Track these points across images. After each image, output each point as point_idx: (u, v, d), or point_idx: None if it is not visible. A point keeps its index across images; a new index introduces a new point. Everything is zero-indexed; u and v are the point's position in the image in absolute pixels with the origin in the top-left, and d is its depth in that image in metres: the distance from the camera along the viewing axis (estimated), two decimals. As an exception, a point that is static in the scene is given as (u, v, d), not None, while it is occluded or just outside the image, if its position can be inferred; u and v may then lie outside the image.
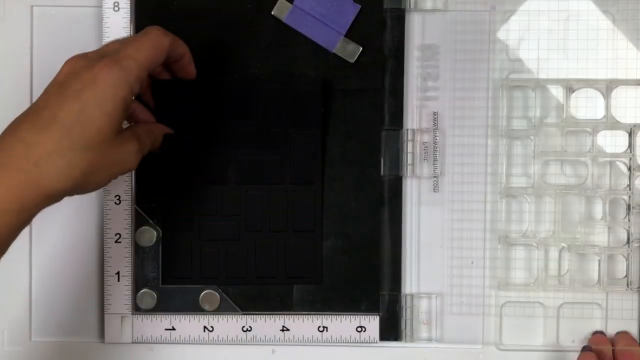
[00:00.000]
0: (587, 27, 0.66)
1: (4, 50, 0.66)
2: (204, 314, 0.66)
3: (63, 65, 0.54)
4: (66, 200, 0.66)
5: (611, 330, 0.66)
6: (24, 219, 0.51)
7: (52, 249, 0.67)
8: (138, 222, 0.66)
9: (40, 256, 0.67)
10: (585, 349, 0.65)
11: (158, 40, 0.57)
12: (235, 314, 0.66)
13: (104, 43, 0.64)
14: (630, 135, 0.66)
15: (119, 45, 0.56)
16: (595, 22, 0.66)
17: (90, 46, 0.65)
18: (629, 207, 0.66)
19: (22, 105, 0.66)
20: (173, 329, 0.66)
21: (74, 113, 0.51)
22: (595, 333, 0.66)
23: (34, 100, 0.65)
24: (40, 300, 0.67)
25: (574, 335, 0.67)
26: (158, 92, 0.63)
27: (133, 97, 0.56)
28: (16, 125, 0.53)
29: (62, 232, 0.67)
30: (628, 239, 0.66)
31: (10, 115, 0.66)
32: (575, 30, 0.66)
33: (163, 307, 0.66)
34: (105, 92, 0.52)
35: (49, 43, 0.66)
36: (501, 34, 0.66)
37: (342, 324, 0.66)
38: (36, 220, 0.66)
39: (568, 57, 0.66)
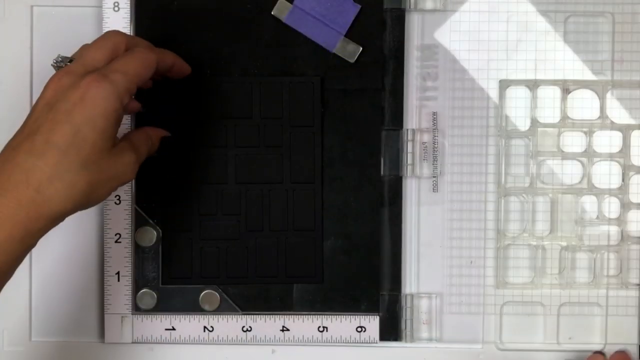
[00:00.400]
0: (585, 30, 0.67)
1: (4, 50, 0.66)
2: (204, 314, 0.66)
3: (48, 83, 0.54)
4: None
5: (611, 328, 0.67)
6: (28, 243, 0.51)
7: (52, 249, 0.67)
8: (138, 222, 0.66)
9: (41, 256, 0.67)
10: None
11: (145, 57, 0.56)
12: (235, 314, 0.66)
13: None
14: (624, 135, 0.67)
15: (97, 52, 0.55)
16: (593, 23, 0.67)
17: (91, 46, 0.66)
18: (623, 206, 0.67)
19: (22, 105, 0.66)
20: (173, 329, 0.66)
21: (67, 135, 0.51)
22: (596, 353, 0.67)
23: (33, 102, 0.66)
24: (40, 300, 0.67)
25: (573, 333, 0.67)
26: (158, 93, 0.64)
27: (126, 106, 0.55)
28: (12, 150, 0.52)
29: (62, 233, 0.66)
30: (623, 237, 0.67)
31: (10, 115, 0.66)
32: (573, 32, 0.67)
33: (163, 307, 0.66)
34: (95, 108, 0.52)
35: (49, 43, 0.66)
36: (500, 35, 0.67)
37: (342, 324, 0.66)
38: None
39: (565, 58, 0.67)
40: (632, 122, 0.67)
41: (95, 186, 0.53)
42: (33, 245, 0.52)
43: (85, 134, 0.52)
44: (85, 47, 0.57)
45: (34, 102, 0.66)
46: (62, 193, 0.51)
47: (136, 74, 0.55)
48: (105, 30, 0.65)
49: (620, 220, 0.67)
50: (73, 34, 0.66)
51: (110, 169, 0.54)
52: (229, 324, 0.66)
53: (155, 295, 0.66)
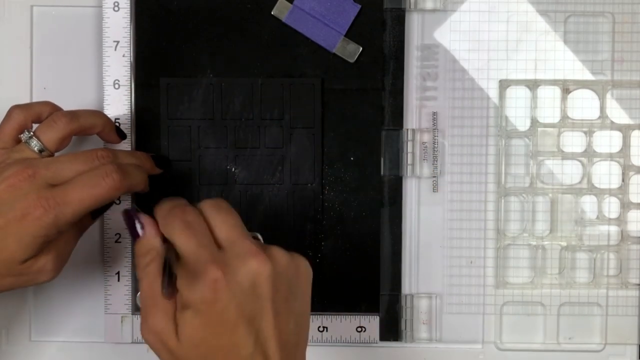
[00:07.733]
0: (585, 30, 0.67)
1: (4, 50, 0.66)
2: (204, 314, 0.66)
3: (8, 173, 0.54)
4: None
5: (611, 328, 0.67)
6: None
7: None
8: (138, 222, 0.66)
9: (40, 256, 0.67)
10: None
11: (109, 186, 0.56)
12: (235, 314, 0.66)
13: (104, 43, 0.65)
14: (624, 135, 0.67)
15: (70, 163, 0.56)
16: (593, 23, 0.67)
17: (90, 46, 0.66)
18: (623, 206, 0.67)
19: (22, 104, 0.66)
20: (173, 329, 0.66)
21: None
22: None
23: (34, 100, 0.66)
24: (40, 300, 0.67)
25: (573, 333, 0.67)
26: (162, 93, 0.64)
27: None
28: None
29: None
30: (623, 237, 0.67)
31: (10, 114, 0.66)
32: (573, 32, 0.67)
33: (163, 307, 0.66)
34: (29, 228, 0.53)
35: (49, 43, 0.66)
36: (500, 35, 0.67)
37: (342, 324, 0.66)
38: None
39: (565, 58, 0.67)
40: (632, 122, 0.67)
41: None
42: None
43: (8, 244, 0.53)
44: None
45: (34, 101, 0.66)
46: None
47: (86, 207, 0.55)
48: (106, 30, 0.64)
49: (620, 220, 0.67)
50: (73, 34, 0.66)
51: (22, 274, 0.55)
52: (229, 324, 0.66)
53: (155, 295, 0.66)
